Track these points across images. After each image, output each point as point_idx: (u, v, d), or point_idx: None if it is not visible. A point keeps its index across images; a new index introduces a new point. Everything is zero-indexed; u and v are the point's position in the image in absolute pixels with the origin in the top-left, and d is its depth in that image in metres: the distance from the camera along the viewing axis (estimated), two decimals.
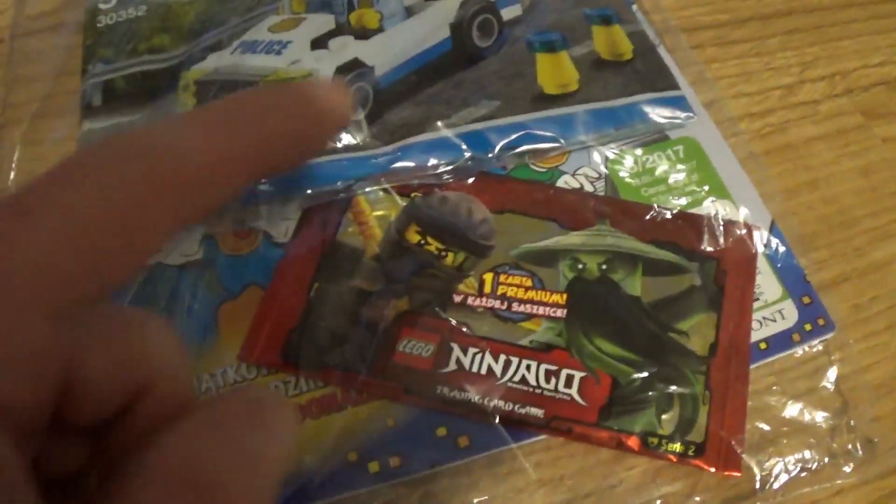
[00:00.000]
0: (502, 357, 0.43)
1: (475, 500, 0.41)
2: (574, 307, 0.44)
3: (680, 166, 0.50)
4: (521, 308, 0.44)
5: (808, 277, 0.47)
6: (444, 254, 0.45)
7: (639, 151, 0.50)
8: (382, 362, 0.42)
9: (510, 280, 0.45)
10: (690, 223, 0.47)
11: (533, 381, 0.42)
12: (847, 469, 0.42)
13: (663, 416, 0.42)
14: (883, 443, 0.43)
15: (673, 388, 0.42)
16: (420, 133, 0.48)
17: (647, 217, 0.47)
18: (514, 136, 0.48)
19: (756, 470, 0.42)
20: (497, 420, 0.41)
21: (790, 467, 0.42)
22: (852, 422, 0.43)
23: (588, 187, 0.49)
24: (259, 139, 0.23)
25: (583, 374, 0.42)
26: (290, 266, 0.45)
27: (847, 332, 0.46)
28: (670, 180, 0.49)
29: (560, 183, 0.49)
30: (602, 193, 0.49)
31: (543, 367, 0.42)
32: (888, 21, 0.60)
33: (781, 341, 0.45)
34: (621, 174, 0.49)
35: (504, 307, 0.44)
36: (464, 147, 0.47)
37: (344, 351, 0.42)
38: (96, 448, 0.22)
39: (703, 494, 0.41)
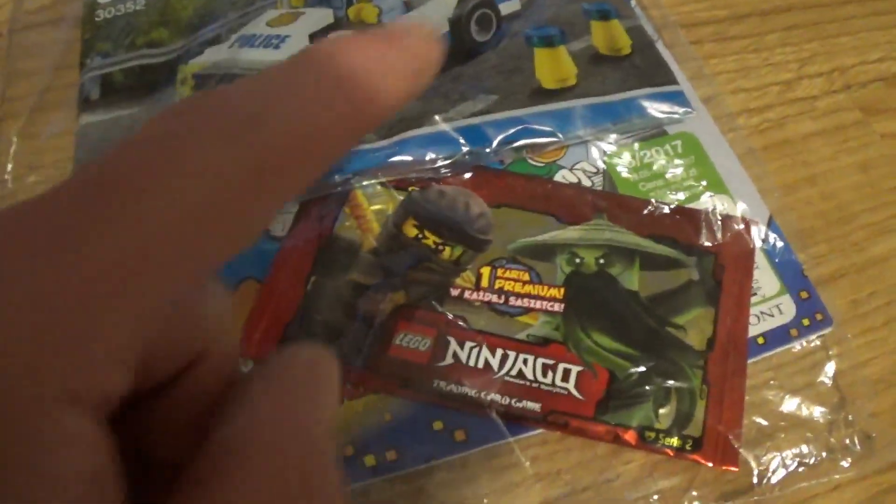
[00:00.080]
0: (499, 351, 0.43)
1: (472, 494, 0.41)
2: (571, 301, 0.44)
3: (678, 161, 0.50)
4: (519, 302, 0.44)
5: (806, 272, 0.47)
6: (441, 248, 0.45)
7: (637, 146, 0.50)
8: (379, 356, 0.42)
9: (507, 274, 0.45)
10: (688, 218, 0.47)
11: (530, 375, 0.42)
12: (845, 464, 0.42)
13: (660, 411, 0.41)
14: (881, 438, 0.43)
15: (670, 382, 0.42)
16: (418, 127, 0.47)
17: (645, 212, 0.47)
18: (511, 131, 0.48)
19: (753, 465, 0.42)
20: (494, 414, 0.41)
21: (788, 462, 0.42)
22: (850, 417, 0.43)
23: (586, 182, 0.49)
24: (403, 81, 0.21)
25: (580, 368, 0.42)
26: (287, 260, 0.45)
27: (845, 328, 0.46)
28: (668, 175, 0.49)
29: (558, 177, 0.49)
30: (600, 188, 0.49)
31: (540, 361, 0.42)
32: (887, 17, 0.60)
33: (779, 336, 0.45)
34: (619, 169, 0.49)
35: (501, 301, 0.44)
36: (461, 141, 0.47)
37: (340, 344, 0.42)
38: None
39: (701, 489, 0.41)
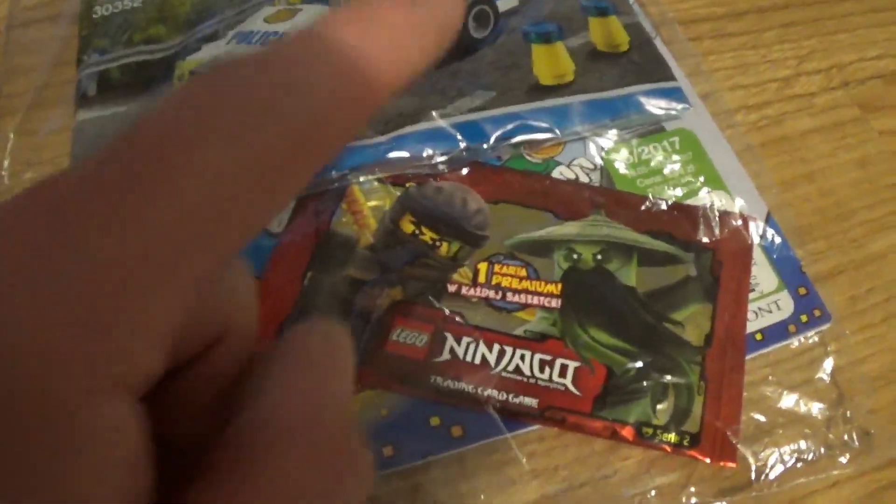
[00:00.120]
0: (496, 347, 0.42)
1: (469, 491, 0.41)
2: (569, 297, 0.44)
3: (675, 157, 0.50)
4: (516, 298, 0.44)
5: (804, 269, 0.47)
6: (438, 244, 0.45)
7: (634, 143, 0.50)
8: (375, 352, 0.42)
9: (505, 270, 0.45)
10: (686, 214, 0.47)
11: (527, 371, 0.42)
12: (843, 460, 0.42)
13: (658, 407, 0.41)
14: (879, 435, 0.43)
15: (668, 378, 0.42)
16: (415, 123, 0.47)
17: (643, 207, 0.47)
18: (509, 127, 0.48)
19: (751, 461, 0.41)
20: (491, 410, 0.41)
21: (786, 458, 0.42)
22: (848, 413, 0.43)
23: (583, 178, 0.49)
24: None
25: (577, 363, 0.42)
26: (284, 255, 0.45)
27: (843, 324, 0.46)
28: (666, 171, 0.49)
29: (555, 174, 0.49)
30: (597, 184, 0.49)
31: (538, 356, 0.42)
32: (885, 14, 0.60)
33: (777, 332, 0.45)
34: (617, 165, 0.49)
35: (498, 297, 0.44)
36: (459, 137, 0.47)
37: None
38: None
39: (698, 485, 0.41)
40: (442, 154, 0.47)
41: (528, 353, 0.42)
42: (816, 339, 0.45)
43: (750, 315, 0.45)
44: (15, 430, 0.14)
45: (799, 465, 0.42)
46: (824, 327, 0.45)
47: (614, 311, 0.44)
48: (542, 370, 0.42)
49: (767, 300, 0.46)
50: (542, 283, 0.44)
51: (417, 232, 0.45)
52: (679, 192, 0.48)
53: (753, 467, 0.41)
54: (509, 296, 0.44)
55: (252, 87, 0.17)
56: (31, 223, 0.15)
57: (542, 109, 0.49)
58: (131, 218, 0.15)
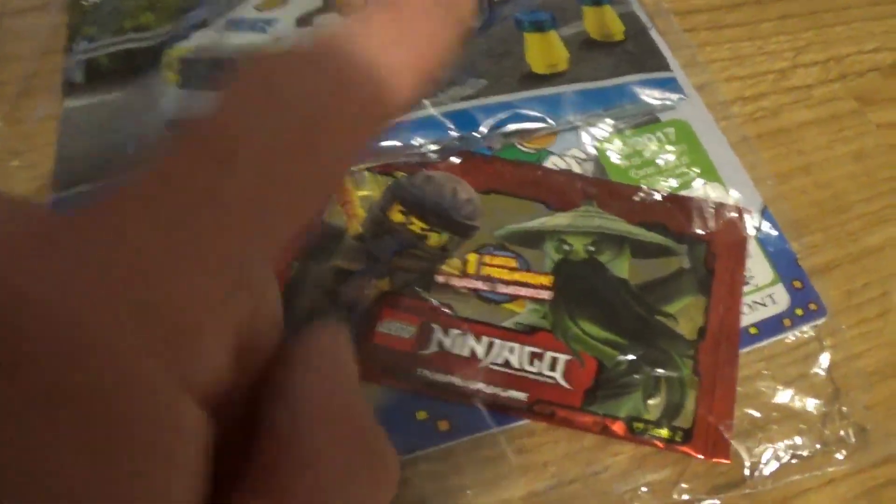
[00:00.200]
0: (485, 339, 0.42)
1: (456, 486, 0.40)
2: (560, 289, 0.43)
3: (670, 148, 0.49)
4: (506, 289, 0.43)
5: (799, 262, 0.46)
6: (427, 234, 0.44)
7: (628, 133, 0.50)
8: (362, 343, 0.41)
9: (494, 261, 0.44)
10: (680, 205, 0.46)
11: (516, 364, 0.41)
12: (839, 456, 0.41)
13: (650, 401, 0.41)
14: (876, 431, 0.42)
15: (660, 372, 0.41)
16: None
17: (636, 198, 0.46)
18: (501, 116, 0.47)
19: (745, 457, 0.41)
20: (479, 404, 0.40)
21: (780, 454, 0.41)
22: (844, 409, 0.42)
23: (576, 168, 0.48)
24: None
25: (567, 356, 0.41)
26: None
27: (839, 318, 0.45)
28: (660, 162, 0.48)
29: (548, 164, 0.48)
30: (590, 175, 0.48)
31: (527, 349, 0.42)
32: (883, 7, 0.60)
33: (772, 326, 0.44)
34: (610, 155, 0.49)
35: (488, 288, 0.43)
36: (450, 126, 0.46)
37: None
38: None
39: (691, 482, 0.40)
40: (432, 143, 0.46)
41: (517, 346, 0.42)
42: (812, 333, 0.45)
43: (744, 309, 0.44)
44: (111, 425, 0.15)
45: (794, 461, 0.41)
46: (820, 321, 0.45)
47: (606, 304, 0.43)
48: (531, 363, 0.41)
49: (762, 293, 0.45)
50: (533, 275, 0.44)
51: (406, 222, 0.45)
52: (673, 183, 0.48)
53: (747, 463, 0.41)
54: (499, 287, 0.43)
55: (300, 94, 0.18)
56: (117, 229, 0.16)
57: (535, 98, 0.48)
58: (200, 237, 0.16)
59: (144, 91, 0.49)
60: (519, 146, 0.49)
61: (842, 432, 0.42)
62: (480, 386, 0.41)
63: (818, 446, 0.41)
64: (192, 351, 0.16)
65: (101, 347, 0.15)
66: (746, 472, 0.41)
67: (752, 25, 0.58)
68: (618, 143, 0.49)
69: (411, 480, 0.40)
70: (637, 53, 0.51)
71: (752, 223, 0.46)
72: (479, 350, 0.41)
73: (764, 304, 0.45)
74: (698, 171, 0.48)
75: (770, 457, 0.41)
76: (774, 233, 0.47)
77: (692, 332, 0.42)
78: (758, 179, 0.48)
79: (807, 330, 0.45)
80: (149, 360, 0.15)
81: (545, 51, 0.50)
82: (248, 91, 0.18)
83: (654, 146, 0.49)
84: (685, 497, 0.40)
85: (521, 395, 0.40)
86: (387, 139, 0.46)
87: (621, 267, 0.44)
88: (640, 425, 0.40)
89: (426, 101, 0.47)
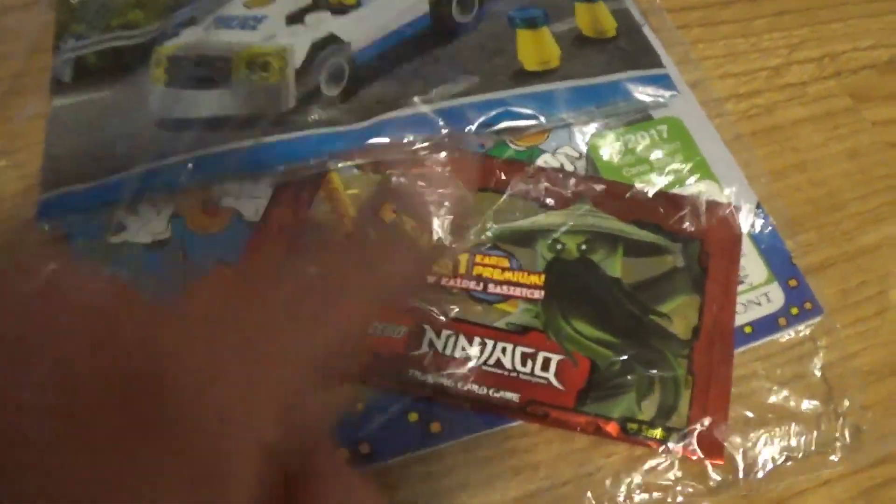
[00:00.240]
0: (477, 340, 0.41)
1: (448, 488, 0.39)
2: (552, 288, 0.43)
3: (663, 146, 0.49)
4: (498, 289, 0.43)
5: (794, 260, 0.46)
6: (418, 233, 0.44)
7: (621, 131, 0.49)
8: None
9: (486, 261, 0.44)
10: (673, 203, 0.46)
11: (508, 365, 0.41)
12: (834, 458, 0.41)
13: (643, 401, 0.40)
14: (872, 431, 0.42)
15: (654, 372, 0.41)
16: (396, 108, 0.46)
17: (629, 197, 0.46)
18: (492, 113, 0.47)
19: (740, 458, 0.40)
20: (471, 405, 0.40)
21: (775, 455, 0.41)
22: (840, 409, 0.42)
23: (568, 166, 0.48)
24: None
25: (560, 357, 0.41)
26: (261, 244, 0.44)
27: (834, 317, 0.45)
28: (653, 160, 0.48)
29: (539, 162, 0.48)
30: (583, 173, 0.47)
31: (520, 349, 0.41)
32: (878, 4, 0.59)
33: (767, 325, 0.44)
34: (602, 153, 0.48)
35: (480, 288, 0.43)
36: (441, 123, 0.46)
37: None
38: None
39: (685, 483, 0.40)
40: (423, 140, 0.46)
41: (509, 347, 0.41)
42: (807, 332, 0.44)
43: (739, 308, 0.44)
44: (200, 461, 0.20)
45: (788, 462, 0.41)
46: (815, 321, 0.44)
47: (599, 303, 0.43)
48: (524, 364, 0.41)
49: (757, 292, 0.45)
50: (525, 274, 0.43)
51: (398, 221, 0.44)
52: (666, 181, 0.47)
53: (741, 464, 0.40)
54: (491, 287, 0.43)
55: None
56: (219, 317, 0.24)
57: (527, 95, 0.48)
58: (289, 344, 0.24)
59: (133, 89, 0.49)
60: (510, 144, 0.48)
61: (837, 433, 0.41)
62: (472, 387, 0.40)
63: (813, 447, 0.41)
64: (271, 424, 0.22)
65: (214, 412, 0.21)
66: (741, 473, 0.40)
67: (745, 22, 0.57)
68: (610, 140, 0.49)
69: (403, 483, 0.39)
70: (630, 50, 0.51)
71: (746, 221, 0.46)
72: (472, 351, 0.41)
73: (758, 304, 0.44)
74: (692, 168, 0.48)
75: (765, 458, 0.41)
76: (769, 231, 0.46)
77: (686, 332, 0.42)
78: (752, 177, 0.48)
79: (802, 329, 0.44)
80: (243, 428, 0.21)
81: (537, 48, 0.50)
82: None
83: (646, 144, 0.49)
84: (679, 499, 0.40)
85: (513, 396, 0.40)
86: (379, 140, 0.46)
87: (614, 266, 0.44)
88: (634, 426, 0.40)
89: (416, 98, 0.47)
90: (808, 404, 0.42)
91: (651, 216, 0.45)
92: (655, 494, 0.40)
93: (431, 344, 0.41)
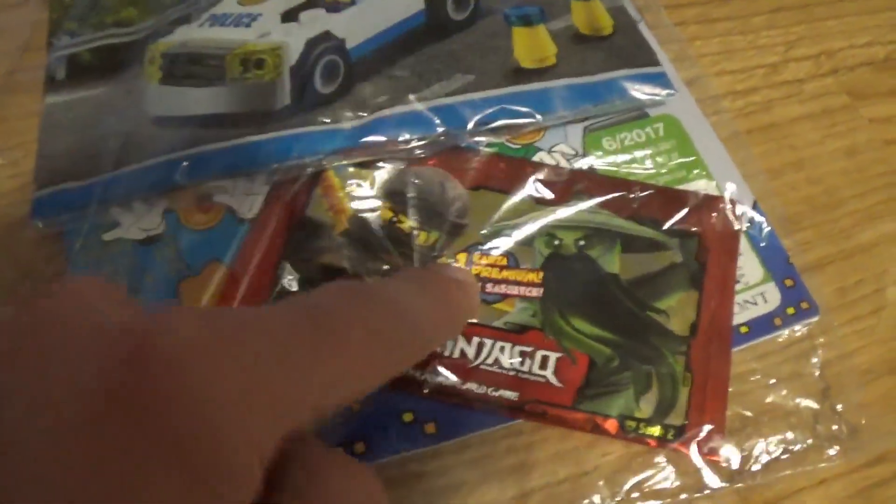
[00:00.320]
0: (475, 339, 0.41)
1: (444, 487, 0.39)
2: (550, 285, 0.43)
3: (659, 144, 0.49)
4: (496, 289, 0.43)
5: (791, 259, 0.46)
6: (416, 232, 0.44)
7: (617, 128, 0.49)
8: None
9: (484, 260, 0.43)
10: (671, 199, 0.46)
11: (507, 364, 0.41)
12: (832, 452, 0.41)
13: (642, 399, 0.40)
14: (870, 430, 0.42)
15: (652, 369, 0.41)
16: (391, 107, 0.46)
17: (626, 193, 0.46)
18: (488, 111, 0.47)
19: (737, 454, 0.40)
20: (468, 404, 0.40)
21: (773, 454, 0.41)
22: (838, 407, 0.42)
23: (564, 164, 0.47)
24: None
25: (558, 354, 0.41)
26: (257, 242, 0.44)
27: (832, 316, 0.45)
28: (649, 158, 0.48)
29: (535, 160, 0.48)
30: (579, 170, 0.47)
31: (518, 348, 0.41)
32: (875, 1, 0.59)
33: (763, 325, 0.44)
34: (598, 151, 0.48)
35: (479, 289, 0.43)
36: (437, 122, 0.46)
37: None
38: None
39: (683, 479, 0.40)
40: (419, 139, 0.46)
41: (507, 345, 0.41)
42: (804, 331, 0.44)
43: (735, 307, 0.44)
44: (206, 466, 0.21)
45: (785, 456, 0.41)
46: (812, 320, 0.44)
47: (596, 300, 0.42)
48: (522, 362, 0.41)
49: (753, 292, 0.44)
50: (523, 272, 0.43)
51: (395, 219, 0.44)
52: (662, 179, 0.47)
53: (739, 461, 0.40)
54: (489, 287, 0.43)
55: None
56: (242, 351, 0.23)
57: (523, 94, 0.47)
58: (307, 364, 0.25)
59: (127, 86, 0.48)
60: (506, 142, 0.48)
61: (835, 427, 0.41)
62: (470, 386, 0.40)
63: (810, 441, 0.41)
64: (268, 432, 0.22)
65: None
66: (738, 471, 0.40)
67: (742, 19, 0.57)
68: (606, 138, 0.48)
69: (399, 482, 0.39)
70: (626, 48, 0.50)
71: (742, 220, 0.46)
72: (469, 351, 0.41)
73: (755, 303, 0.44)
74: (688, 166, 0.48)
75: (762, 456, 0.41)
76: (765, 230, 0.46)
77: (684, 329, 0.42)
78: (748, 175, 0.48)
79: (799, 328, 0.44)
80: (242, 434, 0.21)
81: (533, 45, 0.50)
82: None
83: (642, 141, 0.49)
84: (676, 497, 0.40)
85: (512, 395, 0.40)
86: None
87: (612, 262, 0.44)
88: (632, 423, 0.40)
89: (412, 97, 0.46)
90: (805, 403, 0.42)
91: (649, 212, 0.45)
92: (652, 493, 0.40)
93: None
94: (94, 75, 0.50)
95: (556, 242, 0.44)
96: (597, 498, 0.39)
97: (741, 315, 0.44)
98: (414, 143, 0.46)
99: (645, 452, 0.40)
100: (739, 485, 0.40)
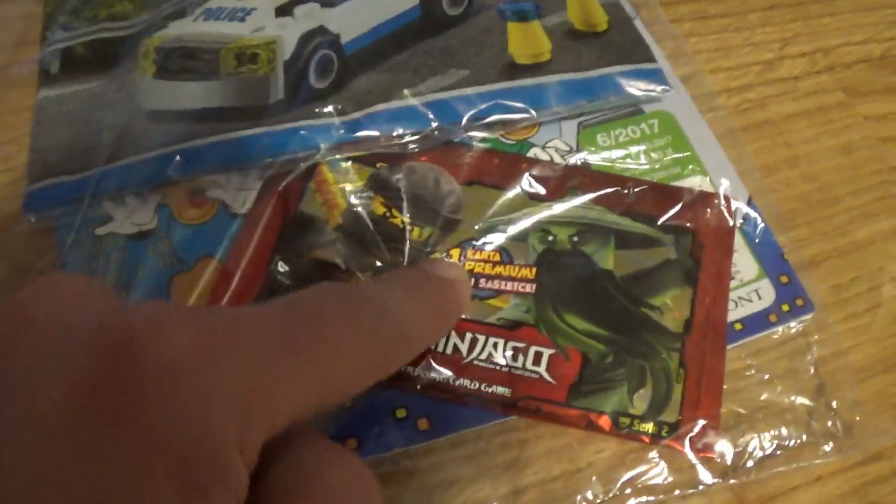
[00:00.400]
0: (468, 335, 0.41)
1: (437, 483, 0.39)
2: (544, 281, 0.43)
3: (654, 140, 0.48)
4: (489, 284, 0.42)
5: (786, 256, 0.45)
6: (409, 227, 0.44)
7: (611, 124, 0.49)
8: None
9: (478, 255, 0.43)
10: (665, 195, 0.46)
11: (500, 360, 0.40)
12: (827, 448, 0.41)
13: (636, 395, 0.40)
14: (864, 427, 0.42)
15: (646, 365, 0.41)
16: (385, 101, 0.46)
17: (621, 189, 0.46)
18: (483, 107, 0.46)
19: (731, 453, 0.40)
20: (461, 400, 0.40)
21: (767, 451, 0.41)
22: (832, 404, 0.42)
23: (558, 160, 0.47)
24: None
25: (552, 351, 0.41)
26: (250, 237, 0.43)
27: (827, 313, 0.45)
28: (644, 154, 0.48)
29: (530, 155, 0.47)
30: (573, 166, 0.47)
31: (511, 344, 0.41)
32: None
33: (758, 322, 0.44)
34: (593, 147, 0.48)
35: (471, 284, 0.42)
36: (430, 117, 0.46)
37: None
38: None
39: (676, 476, 0.40)
40: (413, 134, 0.45)
41: (501, 341, 0.41)
42: (799, 328, 0.44)
43: (730, 304, 0.43)
44: (197, 468, 0.21)
45: (779, 452, 0.40)
46: (807, 317, 0.44)
47: (590, 296, 0.42)
48: (515, 358, 0.40)
49: (748, 289, 0.44)
50: (516, 268, 0.43)
51: (388, 215, 0.44)
52: (657, 176, 0.47)
53: (732, 456, 0.40)
54: (482, 282, 0.43)
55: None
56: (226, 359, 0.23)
57: (517, 89, 0.47)
58: (293, 370, 0.25)
59: (120, 80, 0.48)
60: (501, 137, 0.48)
61: (829, 429, 0.41)
62: (463, 382, 0.40)
63: (804, 437, 0.41)
64: (255, 433, 0.23)
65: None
66: (732, 469, 0.40)
67: (738, 16, 0.57)
68: (601, 134, 0.48)
69: (392, 478, 0.39)
70: (621, 44, 0.50)
71: (737, 217, 0.46)
72: (462, 347, 0.41)
73: (749, 300, 0.44)
74: (683, 163, 0.48)
75: (757, 454, 0.40)
76: (760, 227, 0.46)
77: (678, 325, 0.42)
78: (743, 172, 0.48)
79: (794, 325, 0.44)
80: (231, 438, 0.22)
81: (528, 41, 0.50)
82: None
83: (637, 138, 0.48)
84: (670, 494, 0.39)
85: (505, 391, 0.40)
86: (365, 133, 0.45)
87: (606, 258, 0.43)
88: (626, 420, 0.39)
89: (406, 91, 0.46)
90: (800, 400, 0.42)
91: (643, 208, 0.45)
92: (646, 490, 0.40)
93: None
94: (88, 69, 0.49)
95: (550, 238, 0.44)
96: (590, 494, 0.39)
97: (736, 312, 0.44)
98: (408, 138, 0.46)
99: (639, 449, 0.40)
100: (733, 481, 0.40)
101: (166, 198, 0.45)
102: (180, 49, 0.48)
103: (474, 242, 0.43)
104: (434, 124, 0.46)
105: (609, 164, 0.47)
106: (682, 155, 0.48)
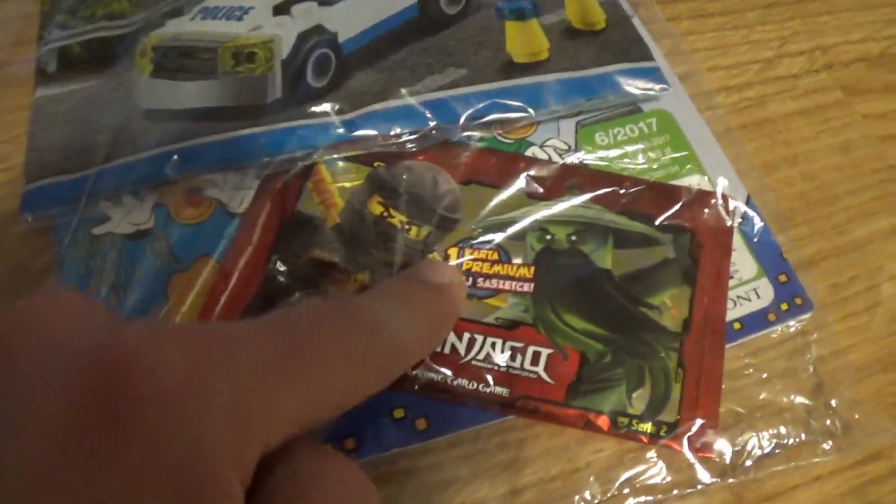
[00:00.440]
0: (466, 335, 0.41)
1: (435, 483, 0.39)
2: (542, 281, 0.42)
3: (652, 139, 0.48)
4: (487, 284, 0.42)
5: (785, 255, 0.45)
6: (407, 227, 0.43)
7: (609, 123, 0.49)
8: None
9: (476, 255, 0.43)
10: (664, 194, 0.45)
11: (498, 360, 0.40)
12: (826, 447, 0.40)
13: (634, 395, 0.40)
14: (863, 426, 0.41)
15: (644, 365, 0.40)
16: (383, 100, 0.46)
17: (619, 188, 0.46)
18: (480, 106, 0.46)
19: (730, 453, 0.40)
20: (459, 400, 0.39)
21: (766, 450, 0.40)
22: (832, 403, 0.42)
23: (556, 159, 0.47)
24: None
25: (550, 350, 0.41)
26: (248, 237, 0.43)
27: (826, 312, 0.45)
28: (642, 153, 0.48)
29: (528, 154, 0.47)
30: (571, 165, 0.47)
31: (509, 344, 0.41)
32: None
33: (757, 321, 0.43)
34: (591, 146, 0.48)
35: (469, 284, 0.42)
36: (428, 116, 0.45)
37: None
38: None
39: (675, 475, 0.40)
40: (411, 133, 0.45)
41: (499, 341, 0.41)
42: (798, 327, 0.44)
43: (729, 303, 0.43)
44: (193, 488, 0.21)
45: (778, 450, 0.40)
46: (806, 316, 0.44)
47: (589, 295, 0.42)
48: (513, 358, 0.40)
49: (746, 288, 0.44)
50: (514, 267, 0.43)
51: (386, 214, 0.44)
52: (655, 175, 0.47)
53: (731, 455, 0.40)
54: (480, 282, 0.42)
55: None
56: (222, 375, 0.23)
57: (515, 88, 0.47)
58: (286, 387, 0.25)
59: (118, 79, 0.48)
60: (498, 136, 0.48)
61: (828, 422, 0.41)
62: (462, 382, 0.40)
63: (803, 436, 0.41)
64: (249, 457, 0.23)
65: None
66: (731, 468, 0.40)
67: (736, 14, 0.57)
68: (599, 133, 0.48)
69: (389, 478, 0.39)
70: (619, 42, 0.50)
71: (736, 215, 0.46)
72: (460, 346, 0.41)
73: (748, 299, 0.44)
74: (681, 161, 0.48)
75: (755, 453, 0.40)
76: (759, 225, 0.46)
77: (677, 325, 0.42)
78: (742, 171, 0.48)
79: (792, 325, 0.44)
80: (224, 452, 0.22)
81: (526, 39, 0.49)
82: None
83: (636, 137, 0.48)
84: (668, 494, 0.39)
85: (503, 391, 0.40)
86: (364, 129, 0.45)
87: (604, 257, 0.43)
88: (625, 420, 0.39)
89: (403, 90, 0.46)
90: (798, 399, 0.42)
91: (642, 207, 0.45)
92: (644, 490, 0.39)
93: None
94: (85, 68, 0.49)
95: (549, 237, 0.44)
96: (588, 494, 0.39)
97: (734, 311, 0.43)
98: (405, 138, 0.45)
99: (637, 448, 0.40)
100: (732, 480, 0.40)
101: (163, 197, 0.45)
102: (177, 48, 0.48)
103: (472, 241, 0.43)
104: (432, 123, 0.46)
105: (607, 162, 0.47)
106: (680, 154, 0.48)
